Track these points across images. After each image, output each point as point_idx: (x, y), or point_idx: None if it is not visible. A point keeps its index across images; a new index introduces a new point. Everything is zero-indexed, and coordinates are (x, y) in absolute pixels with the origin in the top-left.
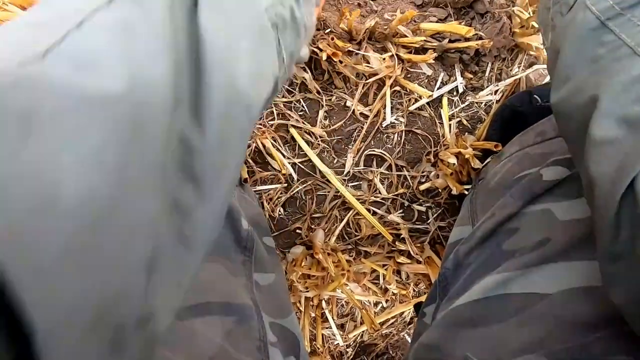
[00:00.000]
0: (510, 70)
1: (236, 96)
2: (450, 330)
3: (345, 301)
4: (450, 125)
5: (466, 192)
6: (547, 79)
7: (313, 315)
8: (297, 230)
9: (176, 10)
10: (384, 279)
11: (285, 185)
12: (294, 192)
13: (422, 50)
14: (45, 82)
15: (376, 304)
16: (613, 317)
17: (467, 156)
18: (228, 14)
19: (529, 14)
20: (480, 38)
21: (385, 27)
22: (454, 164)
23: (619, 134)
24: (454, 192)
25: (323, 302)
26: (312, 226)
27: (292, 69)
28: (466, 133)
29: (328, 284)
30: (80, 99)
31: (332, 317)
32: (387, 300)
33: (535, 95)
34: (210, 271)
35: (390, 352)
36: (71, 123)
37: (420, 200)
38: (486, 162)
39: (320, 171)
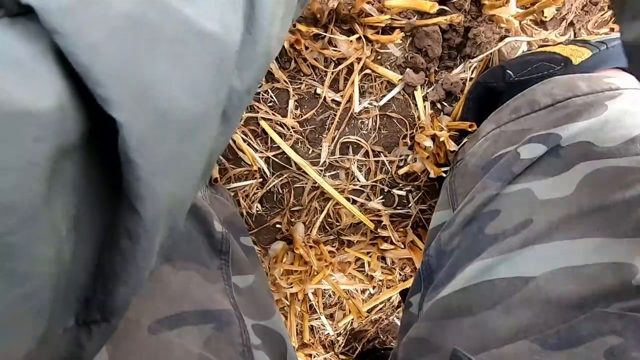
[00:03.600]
0: (482, 46)
1: (268, 56)
2: (438, 323)
3: (332, 291)
4: (425, 106)
5: (444, 175)
6: (520, 52)
7: (299, 309)
8: (277, 225)
9: None
10: (369, 266)
11: (261, 180)
12: (270, 186)
13: (391, 30)
14: (171, 6)
15: (363, 291)
16: (599, 295)
17: (442, 138)
18: None
19: None
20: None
21: (350, 6)
22: (430, 147)
23: None
24: (432, 175)
25: (310, 294)
26: (292, 219)
27: None
28: (442, 113)
29: (312, 277)
30: (192, 34)
31: (320, 309)
32: (374, 287)
33: (507, 71)
34: (184, 280)
35: (381, 336)
36: (182, 53)
37: (400, 185)
38: (463, 142)
39: (295, 163)
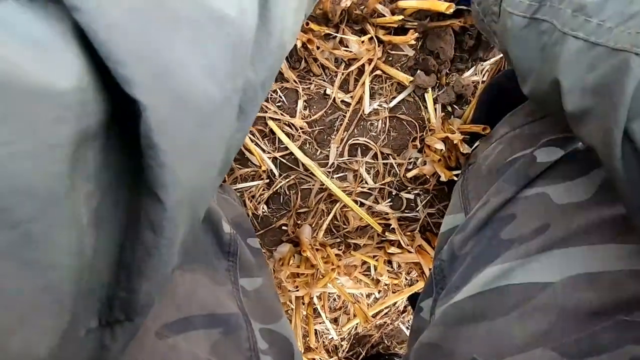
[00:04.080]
0: (494, 49)
1: (282, 47)
2: (452, 328)
3: (337, 295)
4: (435, 108)
5: (455, 178)
6: None
7: (305, 313)
8: (283, 227)
9: None
10: (375, 270)
11: (267, 181)
12: (277, 187)
13: (402, 30)
14: None
15: (369, 296)
16: (619, 304)
17: (455, 141)
18: None
19: None
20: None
21: (362, 6)
22: (442, 149)
23: (588, 103)
24: (443, 178)
25: (315, 297)
26: (299, 222)
27: None
28: (452, 116)
29: (318, 280)
30: (209, 16)
31: (325, 313)
32: (379, 291)
33: None
34: (191, 283)
35: (385, 341)
36: (200, 35)
37: (408, 188)
38: (475, 145)
39: (303, 164)
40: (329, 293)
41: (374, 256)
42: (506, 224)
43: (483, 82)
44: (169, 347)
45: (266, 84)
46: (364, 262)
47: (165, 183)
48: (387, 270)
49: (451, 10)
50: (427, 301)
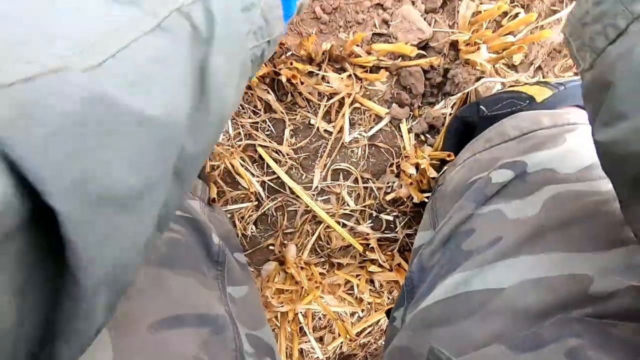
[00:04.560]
0: (460, 85)
1: (223, 119)
2: (419, 331)
3: (322, 313)
4: (409, 137)
5: (426, 200)
6: (494, 90)
7: (289, 330)
8: (270, 247)
9: (195, 44)
10: (357, 288)
11: (256, 203)
12: (265, 209)
13: (377, 69)
14: (105, 95)
15: (352, 314)
16: (559, 304)
17: (423, 166)
18: (228, 55)
19: (470, 34)
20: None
21: (341, 48)
22: (414, 174)
23: None
24: (416, 200)
25: (300, 315)
26: (285, 242)
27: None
28: (425, 144)
29: (303, 297)
30: (129, 117)
31: (309, 331)
32: (362, 310)
33: (481, 106)
34: (183, 285)
35: None
36: (122, 140)
37: (388, 210)
38: (443, 170)
39: (289, 187)
40: (314, 312)
41: (357, 275)
42: (467, 237)
43: (451, 114)
44: (160, 340)
45: (207, 151)
46: (347, 282)
47: (81, 267)
48: (370, 289)
49: (414, 54)
50: (399, 311)
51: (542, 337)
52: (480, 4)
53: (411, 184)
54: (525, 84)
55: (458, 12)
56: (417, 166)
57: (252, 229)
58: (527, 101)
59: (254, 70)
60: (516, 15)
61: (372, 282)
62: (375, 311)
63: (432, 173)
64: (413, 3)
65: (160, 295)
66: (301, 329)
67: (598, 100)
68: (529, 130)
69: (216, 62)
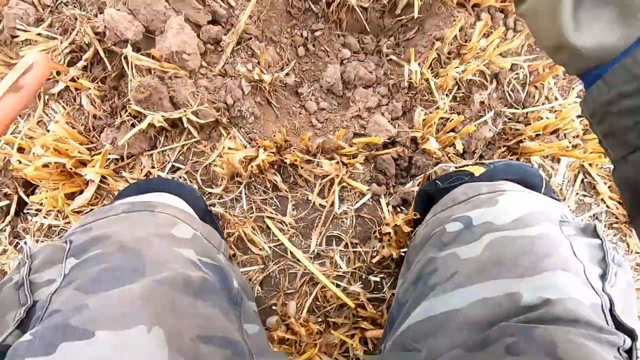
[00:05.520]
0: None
1: None
2: (397, 354)
3: None
4: (388, 209)
5: (403, 254)
6: (450, 170)
7: None
8: (273, 307)
9: None
10: (352, 348)
11: (262, 266)
12: (270, 271)
13: (357, 156)
14: None
15: None
16: (502, 315)
17: (398, 223)
18: None
19: (423, 132)
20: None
21: (331, 142)
22: (392, 234)
23: None
24: (395, 256)
25: None
26: (286, 302)
27: None
28: (400, 213)
29: (302, 353)
30: None
31: None
32: None
33: (438, 182)
34: (211, 312)
35: None
36: None
37: (375, 272)
38: (415, 230)
39: (291, 252)
40: None
41: (351, 335)
42: (431, 274)
43: (420, 190)
44: (198, 351)
45: None
46: (343, 343)
47: None
48: (364, 350)
49: (381, 142)
50: (384, 344)
51: (488, 339)
52: (429, 112)
53: (390, 243)
54: (468, 165)
55: (414, 117)
56: (394, 229)
57: (257, 289)
58: (469, 176)
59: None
60: (453, 118)
61: (365, 343)
62: None
63: (406, 229)
64: (382, 114)
65: (196, 317)
66: None
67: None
68: (472, 195)
69: None
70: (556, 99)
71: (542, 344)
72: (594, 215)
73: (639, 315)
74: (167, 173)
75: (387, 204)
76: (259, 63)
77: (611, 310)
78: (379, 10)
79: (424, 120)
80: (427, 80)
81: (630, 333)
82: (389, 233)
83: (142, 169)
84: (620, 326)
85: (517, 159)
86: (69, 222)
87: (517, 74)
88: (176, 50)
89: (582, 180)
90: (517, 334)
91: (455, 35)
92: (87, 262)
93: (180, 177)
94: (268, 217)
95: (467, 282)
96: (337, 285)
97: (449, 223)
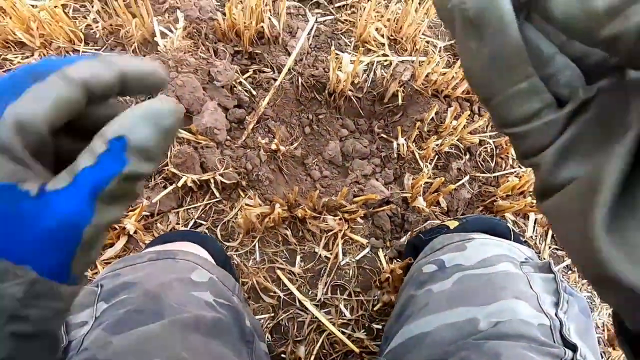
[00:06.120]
0: (412, 225)
1: None
2: None
3: None
4: (386, 260)
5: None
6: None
7: None
8: (282, 355)
9: None
10: None
11: (272, 314)
12: (279, 319)
13: (357, 212)
14: None
15: None
16: (463, 335)
17: (391, 266)
18: None
19: (411, 193)
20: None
21: (335, 202)
22: (389, 278)
23: None
24: (393, 299)
25: None
26: (294, 349)
27: None
28: (394, 262)
29: None
30: None
31: None
32: None
33: (421, 235)
34: (222, 351)
35: None
36: None
37: (377, 320)
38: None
39: (299, 300)
40: None
41: None
42: (409, 308)
43: (408, 241)
44: None
45: None
46: None
47: None
48: None
49: (378, 199)
50: None
51: (448, 354)
52: (416, 177)
53: (389, 290)
54: (447, 220)
55: (404, 182)
56: (391, 274)
57: (268, 337)
58: (445, 229)
59: None
60: (435, 181)
61: None
62: None
63: (399, 272)
64: (377, 179)
65: (209, 355)
66: None
67: None
68: (446, 243)
69: None
70: (520, 166)
71: (489, 354)
72: (567, 266)
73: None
74: (190, 228)
75: (385, 255)
76: (274, 137)
77: (561, 331)
78: (370, 99)
79: (412, 183)
80: (412, 151)
81: (573, 347)
82: (388, 278)
83: (168, 224)
84: (567, 343)
85: (495, 216)
86: (96, 273)
87: (485, 147)
88: (209, 126)
89: (553, 235)
90: (470, 348)
91: (432, 118)
92: (115, 305)
93: (202, 232)
94: (279, 267)
95: (437, 310)
96: (342, 333)
97: (425, 265)
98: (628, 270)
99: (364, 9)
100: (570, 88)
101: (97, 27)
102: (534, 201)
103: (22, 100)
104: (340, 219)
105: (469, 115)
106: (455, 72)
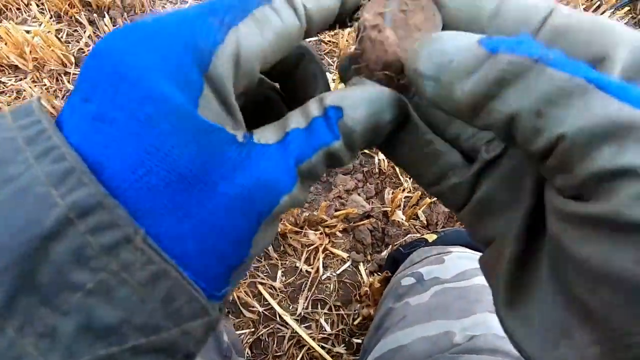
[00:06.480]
0: (394, 239)
1: None
2: None
3: None
4: (366, 274)
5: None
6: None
7: None
8: None
9: None
10: None
11: (253, 330)
12: (259, 334)
13: (336, 227)
14: None
15: None
16: (440, 349)
17: (373, 284)
18: None
19: (391, 207)
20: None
21: (315, 217)
22: (368, 292)
23: None
24: (372, 313)
25: None
26: None
27: None
28: (374, 276)
29: None
30: None
31: None
32: None
33: (400, 248)
34: None
35: None
36: None
37: (357, 334)
38: (386, 290)
39: (279, 315)
40: None
41: None
42: (387, 320)
43: (388, 255)
44: None
45: None
46: None
47: None
48: None
49: (357, 213)
50: None
51: None
52: (402, 190)
53: (368, 303)
54: (426, 233)
55: (385, 196)
56: (370, 288)
57: (247, 352)
58: (424, 242)
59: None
60: (413, 196)
61: None
62: None
63: (377, 285)
64: (359, 194)
65: None
66: None
67: None
68: (425, 256)
69: None
70: None
71: None
72: None
73: None
74: None
75: (366, 269)
76: None
77: None
78: None
79: (391, 197)
80: (393, 166)
81: None
82: (367, 292)
83: None
84: None
85: None
86: None
87: None
88: None
89: None
90: None
91: None
92: None
93: None
94: (260, 282)
95: (414, 322)
96: (322, 347)
97: (404, 278)
98: (525, 343)
99: (346, 31)
100: (474, 147)
101: (88, 50)
102: None
103: (245, 24)
104: (321, 234)
105: None
106: None
